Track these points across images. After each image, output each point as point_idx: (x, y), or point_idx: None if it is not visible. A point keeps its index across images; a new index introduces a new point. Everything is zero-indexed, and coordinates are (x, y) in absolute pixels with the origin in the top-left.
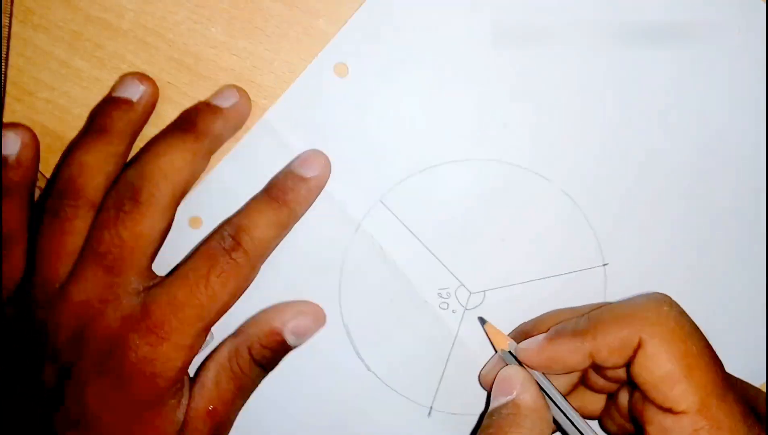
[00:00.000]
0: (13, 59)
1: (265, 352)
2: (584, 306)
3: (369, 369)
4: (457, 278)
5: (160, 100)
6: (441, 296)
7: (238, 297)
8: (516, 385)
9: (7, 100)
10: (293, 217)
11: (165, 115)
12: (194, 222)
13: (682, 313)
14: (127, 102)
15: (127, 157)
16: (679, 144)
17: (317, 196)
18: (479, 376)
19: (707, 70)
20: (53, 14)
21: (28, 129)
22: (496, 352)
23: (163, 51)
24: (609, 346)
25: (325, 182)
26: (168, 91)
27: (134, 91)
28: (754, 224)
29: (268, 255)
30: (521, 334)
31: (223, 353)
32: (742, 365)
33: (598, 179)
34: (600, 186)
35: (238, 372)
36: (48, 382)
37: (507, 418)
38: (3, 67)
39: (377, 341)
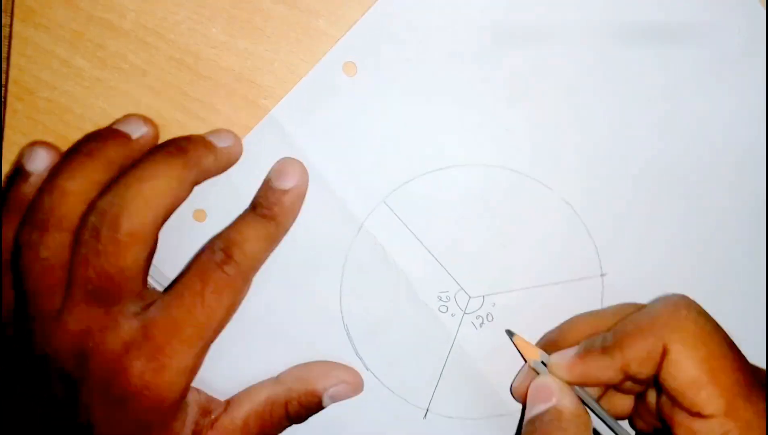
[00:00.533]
0: (15, 58)
1: (301, 411)
2: (607, 309)
3: (367, 368)
4: (457, 282)
5: (160, 99)
6: (440, 299)
7: (234, 311)
8: (555, 392)
9: (9, 99)
10: (282, 230)
11: (166, 114)
12: (198, 215)
13: (702, 314)
14: (125, 136)
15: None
16: (680, 150)
17: (302, 204)
18: (511, 389)
19: (707, 71)
20: (55, 14)
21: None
22: (525, 362)
23: (164, 51)
24: (637, 359)
25: (306, 189)
26: (168, 91)
27: (135, 129)
28: (754, 236)
29: (259, 267)
30: (549, 343)
31: (260, 398)
32: None
33: (598, 188)
34: (600, 195)
35: (269, 421)
36: (58, 394)
37: (550, 424)
38: (4, 66)
39: (376, 341)
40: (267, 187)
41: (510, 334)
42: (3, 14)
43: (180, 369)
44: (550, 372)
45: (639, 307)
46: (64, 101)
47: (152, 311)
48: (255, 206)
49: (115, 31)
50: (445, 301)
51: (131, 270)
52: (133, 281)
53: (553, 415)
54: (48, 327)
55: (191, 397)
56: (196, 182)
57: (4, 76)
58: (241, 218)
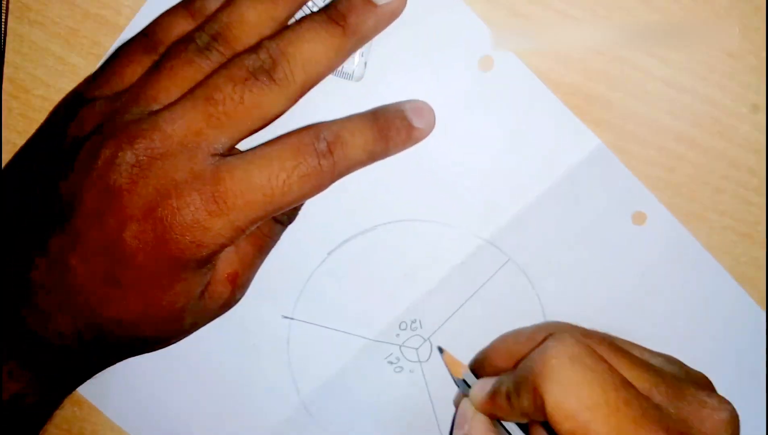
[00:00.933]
0: (10, 56)
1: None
2: (527, 329)
3: None
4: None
5: None
6: (391, 362)
7: (306, 200)
8: (468, 420)
9: (4, 97)
10: (385, 156)
11: None
12: None
13: (575, 359)
14: None
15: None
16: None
17: (415, 144)
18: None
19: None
20: (50, 10)
21: None
22: (455, 380)
23: None
24: (529, 411)
25: (427, 134)
26: None
27: None
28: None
29: (347, 175)
30: (477, 363)
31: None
32: None
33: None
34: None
35: (257, 233)
36: (85, 196)
37: None
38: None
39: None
40: (399, 112)
41: (440, 350)
42: None
43: (233, 225)
44: (470, 400)
45: (558, 327)
46: (60, 99)
47: (232, 159)
48: (377, 117)
49: (110, 28)
50: (396, 362)
51: (260, 111)
52: (248, 125)
53: None
54: (135, 118)
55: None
56: (354, 50)
57: None
58: (358, 120)
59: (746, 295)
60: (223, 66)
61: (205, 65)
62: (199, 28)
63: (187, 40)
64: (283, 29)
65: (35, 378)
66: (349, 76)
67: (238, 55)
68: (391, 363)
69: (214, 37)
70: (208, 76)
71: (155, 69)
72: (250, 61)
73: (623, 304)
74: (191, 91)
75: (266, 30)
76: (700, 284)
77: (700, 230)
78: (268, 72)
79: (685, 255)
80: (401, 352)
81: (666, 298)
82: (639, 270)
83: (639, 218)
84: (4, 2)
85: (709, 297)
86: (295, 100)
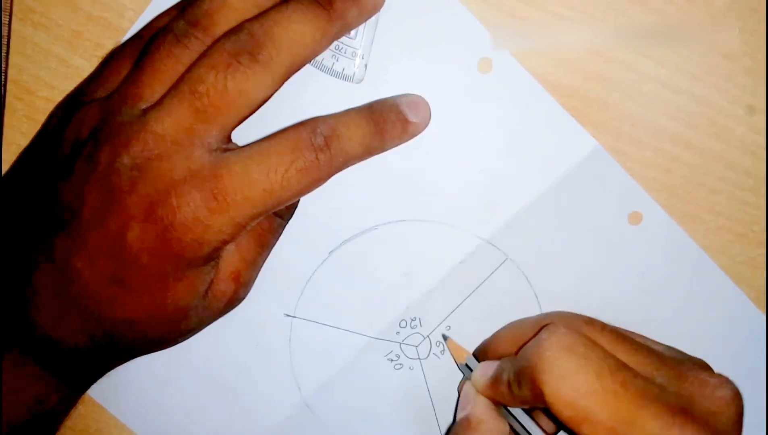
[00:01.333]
0: (14, 58)
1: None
2: (531, 318)
3: None
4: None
5: None
6: (391, 360)
7: (304, 194)
8: (470, 401)
9: (8, 98)
10: (382, 150)
11: None
12: None
13: (568, 349)
14: None
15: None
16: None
17: (411, 138)
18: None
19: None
20: (53, 13)
21: None
22: (458, 366)
23: None
24: (528, 399)
25: (423, 128)
26: None
27: None
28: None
29: (344, 169)
30: (482, 351)
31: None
32: None
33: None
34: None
35: (258, 229)
36: (92, 204)
37: (461, 431)
38: (3, 65)
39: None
40: (394, 105)
41: (444, 338)
42: (2, 13)
43: (233, 221)
44: (472, 383)
45: (561, 317)
46: None
47: (229, 155)
48: (373, 111)
49: (113, 30)
50: (396, 359)
51: (247, 97)
52: (236, 113)
53: (463, 423)
54: (127, 120)
55: (223, 263)
56: (337, 38)
57: (3, 75)
58: (356, 115)
59: (743, 294)
60: (204, 54)
61: (184, 55)
62: (178, 16)
63: (165, 30)
64: (264, 11)
65: (55, 379)
66: (349, 78)
67: (218, 41)
68: (391, 360)
69: (193, 24)
70: (191, 67)
71: (137, 66)
72: (230, 44)
73: (619, 303)
74: (176, 86)
75: (248, 14)
76: (696, 284)
77: (696, 231)
78: (250, 53)
79: (681, 255)
80: (401, 349)
81: (662, 298)
82: (635, 270)
83: (635, 219)
84: (8, 4)
85: (706, 296)
86: (281, 83)
